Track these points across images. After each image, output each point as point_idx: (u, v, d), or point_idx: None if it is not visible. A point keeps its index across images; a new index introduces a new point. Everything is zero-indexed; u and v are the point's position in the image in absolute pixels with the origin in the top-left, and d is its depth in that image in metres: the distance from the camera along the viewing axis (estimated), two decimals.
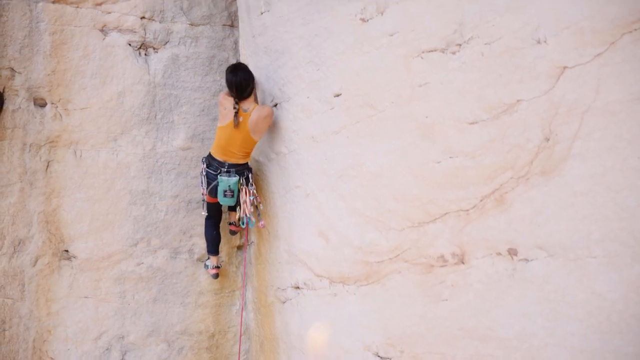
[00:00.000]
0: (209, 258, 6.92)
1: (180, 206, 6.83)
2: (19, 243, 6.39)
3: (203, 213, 6.62)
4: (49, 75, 6.29)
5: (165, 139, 6.75)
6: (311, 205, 5.81)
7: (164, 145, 6.74)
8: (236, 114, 6.00)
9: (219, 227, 6.79)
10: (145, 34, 6.61)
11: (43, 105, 6.38)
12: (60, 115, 6.39)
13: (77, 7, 6.35)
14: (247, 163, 6.35)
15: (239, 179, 6.22)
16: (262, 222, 6.43)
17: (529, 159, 3.84)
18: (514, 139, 3.91)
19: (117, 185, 6.61)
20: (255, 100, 6.20)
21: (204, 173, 6.28)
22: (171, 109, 6.76)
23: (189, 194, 6.84)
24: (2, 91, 6.20)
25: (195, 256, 6.94)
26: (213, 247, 6.82)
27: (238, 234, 7.09)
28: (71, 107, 6.42)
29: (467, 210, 4.28)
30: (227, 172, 6.19)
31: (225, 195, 6.23)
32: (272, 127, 6.28)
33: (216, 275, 6.90)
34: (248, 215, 6.30)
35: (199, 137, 6.85)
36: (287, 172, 6.17)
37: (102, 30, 6.47)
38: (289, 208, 6.18)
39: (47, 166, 6.43)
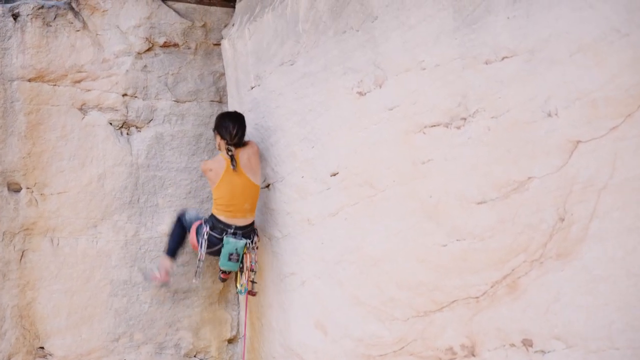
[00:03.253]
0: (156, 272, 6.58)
1: (166, 297, 6.73)
2: None
3: (194, 281, 6.42)
4: (24, 157, 6.27)
5: (149, 224, 6.69)
6: (307, 294, 5.74)
7: (147, 231, 6.68)
8: (232, 157, 5.94)
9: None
10: (128, 112, 6.63)
11: (17, 190, 6.34)
12: (36, 200, 6.35)
13: (55, 85, 6.38)
14: (253, 223, 6.22)
15: (246, 243, 6.08)
16: (254, 291, 6.29)
17: (543, 240, 3.78)
18: (526, 220, 3.87)
19: (97, 276, 6.51)
20: None
21: (206, 237, 6.05)
22: (155, 192, 6.73)
23: (174, 283, 6.75)
24: None
25: (182, 351, 6.80)
26: (174, 247, 6.46)
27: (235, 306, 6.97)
28: (48, 192, 6.38)
29: (477, 297, 4.21)
30: (234, 234, 6.04)
31: (230, 259, 6.04)
32: (264, 208, 6.25)
33: (166, 283, 6.58)
34: (245, 282, 6.16)
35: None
36: (281, 258, 6.12)
37: (81, 109, 6.48)
38: (283, 297, 6.11)
39: (22, 256, 6.35)
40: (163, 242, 6.67)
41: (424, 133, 4.53)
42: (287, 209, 5.97)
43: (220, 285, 6.92)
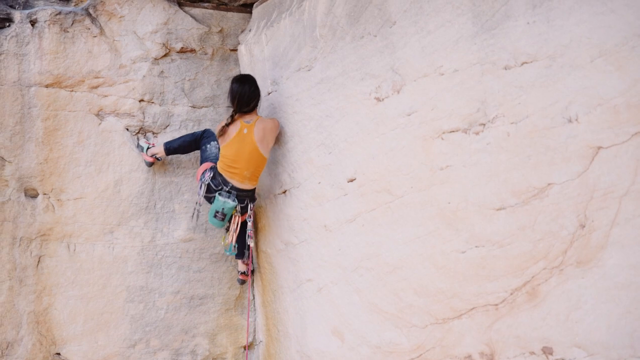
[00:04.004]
0: (149, 147, 6.63)
1: (182, 303, 6.74)
2: (7, 346, 6.28)
3: (192, 222, 6.67)
4: (41, 163, 6.30)
5: (166, 229, 6.71)
6: (324, 301, 5.73)
7: (164, 237, 6.69)
8: (231, 119, 6.02)
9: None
10: (144, 118, 6.65)
11: (34, 196, 6.37)
12: (53, 206, 6.38)
13: (72, 90, 6.41)
14: (253, 190, 6.27)
15: (236, 207, 6.13)
16: (245, 261, 6.56)
17: (563, 247, 3.76)
18: (545, 226, 3.85)
19: (113, 282, 6.53)
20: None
21: (207, 182, 6.14)
22: (172, 198, 6.75)
23: (191, 289, 6.76)
24: None
25: (199, 358, 6.80)
26: (175, 147, 6.55)
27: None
28: (64, 198, 6.41)
29: (496, 304, 4.19)
30: (228, 192, 6.09)
31: (215, 216, 6.12)
32: (280, 215, 6.25)
33: (150, 164, 6.65)
34: (230, 242, 6.25)
35: (202, 227, 6.82)
36: (297, 264, 6.12)
37: (98, 115, 6.51)
38: (300, 304, 6.10)
39: (38, 262, 6.38)
40: (179, 248, 6.72)
41: (443, 139, 4.52)
42: (303, 215, 5.97)
43: (237, 291, 6.94)
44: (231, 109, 6.18)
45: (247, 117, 6.08)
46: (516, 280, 4.04)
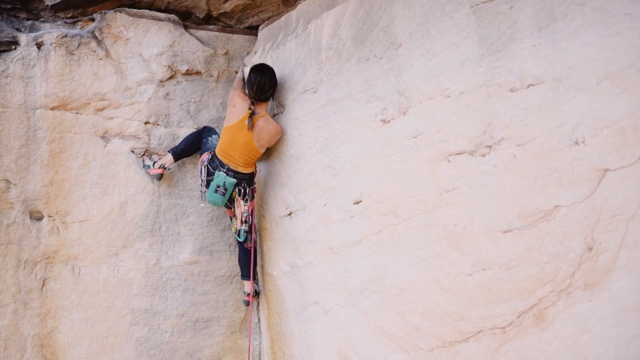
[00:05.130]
0: (153, 163, 6.71)
1: (187, 326, 6.73)
2: None
3: (202, 205, 6.69)
4: (46, 186, 6.32)
5: (171, 252, 6.71)
6: (330, 324, 5.72)
7: (169, 259, 6.70)
8: (251, 115, 6.09)
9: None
10: (150, 140, 6.67)
11: (39, 218, 6.38)
12: (58, 228, 6.38)
13: (78, 113, 6.43)
14: (250, 174, 6.39)
15: (236, 184, 6.26)
16: (248, 244, 6.56)
17: (571, 270, 3.76)
18: (553, 249, 3.85)
19: (118, 304, 6.53)
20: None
21: (205, 164, 6.36)
22: (177, 220, 6.76)
23: (196, 312, 6.76)
24: None
25: None
26: (181, 150, 6.69)
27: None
28: (69, 220, 6.42)
29: (503, 327, 4.17)
30: (226, 173, 6.22)
31: (216, 191, 6.22)
32: (286, 237, 6.25)
33: (160, 177, 6.70)
34: (238, 227, 6.38)
35: (207, 249, 6.82)
36: (303, 286, 6.10)
37: (103, 137, 6.53)
38: (306, 327, 6.09)
39: (43, 284, 6.38)
40: (185, 271, 6.72)
41: (449, 161, 4.53)
42: (309, 237, 5.96)
43: (242, 313, 6.93)
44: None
45: (258, 109, 6.20)
46: (523, 303, 4.03)
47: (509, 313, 4.12)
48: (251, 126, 6.06)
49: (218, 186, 6.19)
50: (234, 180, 6.20)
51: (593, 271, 3.65)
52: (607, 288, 3.59)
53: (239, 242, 6.62)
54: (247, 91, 6.25)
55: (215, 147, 6.39)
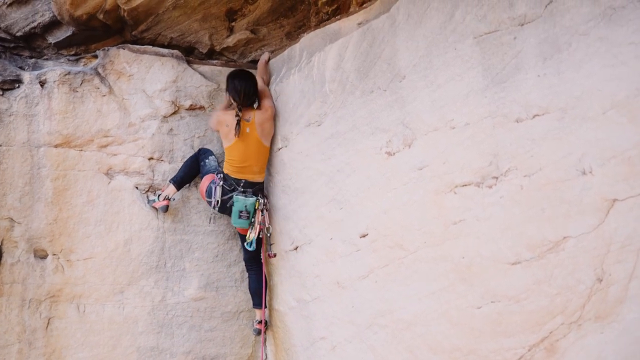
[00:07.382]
0: (157, 196, 6.72)
1: None
2: None
3: (210, 225, 6.80)
4: (50, 224, 6.31)
5: (176, 288, 6.68)
6: (338, 359, 5.67)
7: (174, 296, 6.67)
8: (238, 123, 6.23)
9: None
10: (154, 176, 6.67)
11: (44, 256, 6.37)
12: (62, 267, 6.37)
13: (81, 150, 6.45)
14: (262, 183, 6.51)
15: (257, 200, 6.33)
16: (272, 253, 6.51)
17: (581, 302, 3.73)
18: (562, 281, 3.82)
19: (123, 342, 6.49)
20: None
21: (220, 183, 6.38)
22: (182, 256, 6.74)
23: (202, 349, 6.71)
24: (0, 244, 6.21)
25: None
26: (182, 178, 6.68)
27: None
28: (74, 258, 6.40)
29: None
30: (244, 192, 6.33)
31: (240, 217, 6.30)
32: (292, 271, 6.23)
33: (166, 208, 6.65)
34: (254, 236, 6.38)
35: (213, 285, 6.79)
36: (310, 322, 6.07)
37: (107, 174, 6.54)
38: None
39: (48, 324, 6.35)
40: (191, 307, 6.69)
41: (455, 193, 4.52)
42: (315, 272, 5.94)
43: (249, 350, 6.88)
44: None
45: (246, 115, 6.35)
46: (534, 336, 4.00)
47: (520, 346, 4.09)
48: (238, 133, 6.23)
49: (241, 212, 6.29)
50: (253, 200, 6.30)
51: (604, 303, 3.62)
52: (618, 320, 3.57)
53: (249, 270, 6.75)
54: (232, 98, 6.39)
55: (215, 169, 6.52)
